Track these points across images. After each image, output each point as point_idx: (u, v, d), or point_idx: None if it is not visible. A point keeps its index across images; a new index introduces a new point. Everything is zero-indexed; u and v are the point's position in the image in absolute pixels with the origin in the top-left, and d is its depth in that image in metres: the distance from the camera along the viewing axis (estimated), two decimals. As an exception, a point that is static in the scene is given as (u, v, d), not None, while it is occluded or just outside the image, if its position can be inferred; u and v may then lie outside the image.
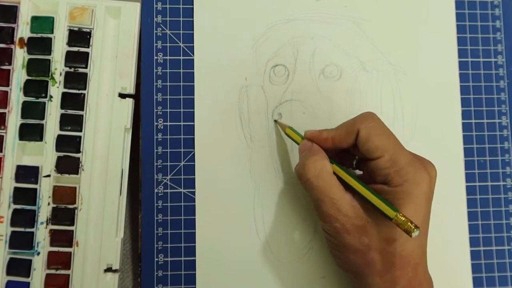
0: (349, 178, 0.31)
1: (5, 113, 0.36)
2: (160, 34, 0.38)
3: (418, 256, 0.31)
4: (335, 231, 0.31)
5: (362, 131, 0.31)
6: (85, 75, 0.36)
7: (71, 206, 0.35)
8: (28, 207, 0.35)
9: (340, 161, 0.34)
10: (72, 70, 0.36)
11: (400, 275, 0.30)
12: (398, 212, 0.28)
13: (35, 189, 0.35)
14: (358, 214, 0.31)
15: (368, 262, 0.31)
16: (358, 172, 0.35)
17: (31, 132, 0.36)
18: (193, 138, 0.38)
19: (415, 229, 0.27)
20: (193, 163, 0.37)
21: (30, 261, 0.35)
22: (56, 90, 0.36)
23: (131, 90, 0.37)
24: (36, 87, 0.36)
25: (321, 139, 0.33)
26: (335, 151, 0.33)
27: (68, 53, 0.36)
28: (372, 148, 0.31)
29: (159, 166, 0.37)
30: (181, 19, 0.39)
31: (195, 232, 0.37)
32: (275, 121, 0.38)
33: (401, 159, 0.30)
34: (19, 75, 0.36)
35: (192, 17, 0.39)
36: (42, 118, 0.36)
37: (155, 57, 0.38)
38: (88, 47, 0.36)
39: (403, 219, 0.28)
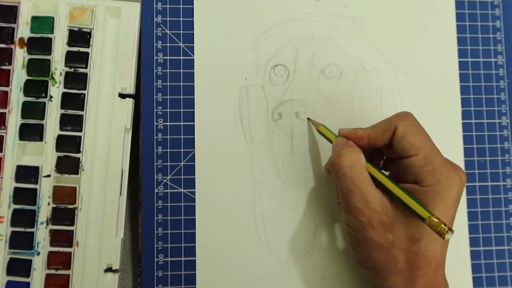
0: (382, 176, 0.31)
1: (5, 113, 0.36)
2: (160, 34, 0.38)
3: (440, 258, 0.31)
4: (361, 225, 0.31)
5: (399, 128, 0.31)
6: (85, 75, 0.36)
7: (71, 206, 0.35)
8: (28, 207, 0.35)
9: (368, 159, 0.34)
10: (72, 70, 0.36)
11: (420, 275, 0.30)
12: (432, 214, 0.28)
13: (35, 189, 0.35)
14: (386, 211, 0.30)
15: (390, 259, 0.30)
16: (385, 172, 0.35)
17: (31, 132, 0.36)
18: (193, 138, 0.38)
19: (448, 231, 0.27)
20: (193, 163, 0.37)
21: (30, 261, 0.35)
22: (56, 90, 0.36)
23: (131, 90, 0.37)
24: (36, 87, 0.36)
25: (356, 137, 0.33)
26: (366, 150, 0.33)
27: (68, 53, 0.36)
28: (408, 145, 0.31)
29: (159, 166, 0.37)
30: (181, 19, 0.39)
31: (195, 232, 0.37)
32: (308, 119, 0.38)
33: (435, 160, 0.30)
34: (19, 75, 0.36)
35: (192, 17, 0.39)
36: (42, 118, 0.36)
37: (155, 57, 0.38)
38: (88, 47, 0.36)
39: (437, 221, 0.28)
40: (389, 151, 0.33)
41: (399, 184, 0.31)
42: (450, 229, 0.28)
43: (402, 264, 0.30)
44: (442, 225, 0.28)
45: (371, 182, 0.31)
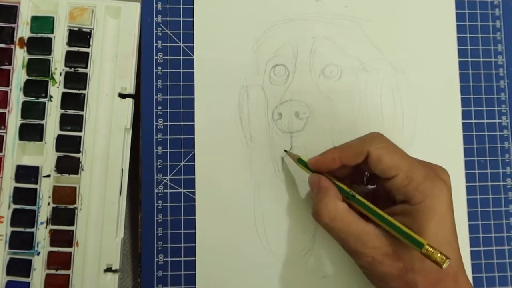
0: (368, 212, 0.31)
1: (5, 113, 0.36)
2: (160, 34, 0.38)
3: (456, 265, 0.31)
4: (368, 264, 0.31)
5: (373, 152, 0.31)
6: (85, 75, 0.36)
7: (71, 206, 0.35)
8: (28, 207, 0.35)
9: (351, 177, 0.34)
10: (72, 70, 0.36)
11: (442, 287, 0.30)
12: (426, 244, 0.28)
13: (35, 189, 0.35)
14: (385, 242, 0.30)
15: (409, 283, 0.30)
16: (371, 187, 0.35)
17: (31, 132, 0.36)
18: (193, 138, 0.38)
19: (445, 260, 0.27)
20: (193, 163, 0.37)
21: (30, 261, 0.35)
22: (56, 90, 0.36)
23: (131, 90, 0.37)
24: (36, 87, 0.36)
25: (327, 161, 0.33)
26: (345, 168, 0.33)
27: (68, 53, 0.36)
28: (386, 168, 0.30)
29: (159, 166, 0.37)
30: (181, 19, 0.39)
31: (195, 232, 0.37)
32: (285, 151, 0.37)
33: (417, 175, 0.30)
34: (19, 75, 0.36)
35: (192, 17, 0.39)
36: (42, 118, 0.36)
37: (155, 57, 0.38)
38: (88, 47, 0.36)
39: (432, 250, 0.28)
40: (369, 169, 0.32)
41: (390, 207, 0.31)
42: (447, 257, 0.27)
43: (421, 284, 0.30)
44: (439, 254, 0.28)
45: (359, 221, 0.31)
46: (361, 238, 0.30)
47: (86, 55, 0.36)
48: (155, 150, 0.37)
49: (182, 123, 0.38)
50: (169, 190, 0.37)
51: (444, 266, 0.27)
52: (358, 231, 0.31)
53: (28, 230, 0.35)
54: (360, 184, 0.35)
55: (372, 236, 0.30)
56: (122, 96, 0.36)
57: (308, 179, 0.34)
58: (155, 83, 0.38)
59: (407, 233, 0.29)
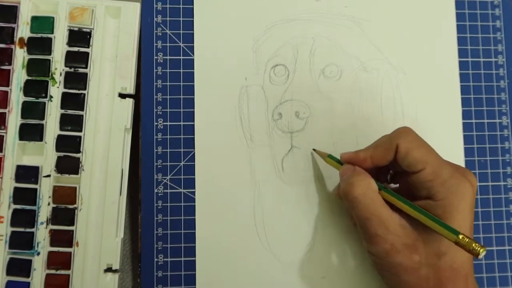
0: (399, 202, 0.31)
1: (5, 113, 0.36)
2: (160, 34, 0.38)
3: (468, 267, 0.31)
4: (385, 252, 0.30)
5: (401, 146, 0.31)
6: (85, 75, 0.36)
7: (71, 206, 0.35)
8: (28, 207, 0.35)
9: (375, 176, 0.34)
10: (72, 70, 0.36)
11: (453, 286, 0.30)
12: (459, 234, 0.28)
13: (35, 189, 0.35)
14: (407, 232, 0.30)
15: (421, 279, 0.30)
16: (394, 185, 0.36)
17: (31, 132, 0.36)
18: (193, 138, 0.38)
19: (481, 250, 0.27)
20: (193, 163, 0.37)
21: (30, 261, 0.35)
22: (56, 90, 0.36)
23: (131, 90, 0.37)
24: (36, 87, 0.36)
25: (359, 160, 0.33)
26: (371, 168, 0.33)
27: (68, 53, 0.36)
28: (413, 161, 0.31)
29: (159, 166, 0.37)
30: (181, 19, 0.39)
31: (195, 232, 0.37)
32: (314, 150, 0.38)
33: (444, 171, 0.30)
34: (19, 75, 0.36)
35: (192, 17, 0.39)
36: (42, 118, 0.36)
37: (155, 57, 0.38)
38: (88, 47, 0.36)
39: (467, 240, 0.27)
40: (394, 166, 0.33)
41: (414, 204, 0.31)
42: (483, 247, 0.27)
43: (432, 281, 0.30)
44: (474, 244, 0.27)
45: (387, 207, 0.31)
46: (386, 222, 0.30)
47: (86, 55, 0.36)
48: (155, 150, 0.37)
49: (182, 123, 0.38)
50: (169, 190, 0.37)
51: (481, 255, 0.27)
52: (385, 215, 0.30)
53: (28, 230, 0.35)
54: (383, 182, 0.35)
55: (397, 224, 0.30)
56: (122, 96, 0.36)
57: (340, 170, 0.34)
58: (155, 83, 0.38)
59: (441, 222, 0.29)
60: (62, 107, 0.36)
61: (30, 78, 0.36)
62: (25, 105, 0.36)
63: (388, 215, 0.31)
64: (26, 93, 0.36)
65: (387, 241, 0.30)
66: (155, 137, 0.37)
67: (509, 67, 0.40)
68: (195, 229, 0.37)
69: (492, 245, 0.38)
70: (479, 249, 0.27)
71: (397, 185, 0.35)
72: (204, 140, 0.38)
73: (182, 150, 0.37)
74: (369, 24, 0.39)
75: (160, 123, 0.38)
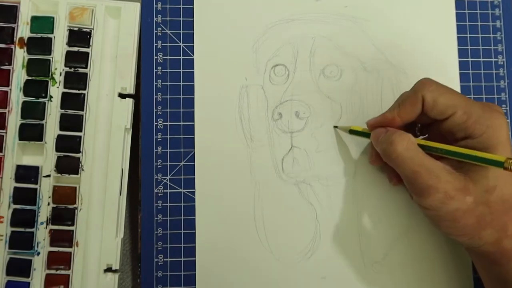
0: (441, 148, 0.31)
1: (5, 113, 0.36)
2: (160, 34, 0.38)
3: None
4: (439, 201, 0.30)
5: (427, 96, 0.31)
6: (85, 75, 0.36)
7: (71, 206, 0.35)
8: (28, 207, 0.35)
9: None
10: (72, 70, 0.36)
11: (508, 219, 0.31)
12: (507, 158, 0.28)
13: (35, 189, 0.35)
14: (456, 176, 0.31)
15: (478, 218, 0.31)
16: (422, 137, 0.36)
17: (31, 132, 0.36)
18: (193, 138, 0.38)
19: None
20: (193, 163, 0.37)
21: (30, 261, 0.35)
22: (56, 90, 0.36)
23: (131, 90, 0.37)
24: (36, 87, 0.36)
25: (387, 121, 0.33)
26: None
27: (68, 53, 0.36)
28: (443, 108, 0.31)
29: (159, 166, 0.37)
30: (181, 19, 0.39)
31: (195, 232, 0.37)
32: (335, 127, 0.38)
33: (475, 109, 0.31)
34: (19, 75, 0.36)
35: (192, 17, 0.39)
36: (42, 118, 0.36)
37: (155, 57, 0.38)
38: (88, 47, 0.36)
39: None
40: (422, 118, 0.33)
41: (454, 146, 0.31)
42: None
43: (488, 216, 0.31)
44: None
45: (430, 157, 0.31)
46: (435, 171, 0.30)
47: (86, 55, 0.36)
48: (155, 150, 0.37)
49: (182, 123, 0.38)
50: (169, 190, 0.37)
51: None
52: (431, 165, 0.31)
53: (28, 230, 0.35)
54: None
55: (444, 170, 0.31)
56: (122, 96, 0.36)
57: (372, 135, 0.34)
58: (155, 83, 0.38)
59: (485, 154, 0.29)
60: (62, 107, 0.36)
61: (30, 78, 0.36)
62: (25, 105, 0.36)
63: (434, 164, 0.31)
64: (26, 93, 0.36)
65: (440, 189, 0.30)
66: (155, 137, 0.37)
67: (509, 67, 0.40)
68: (195, 229, 0.37)
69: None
70: None
71: (426, 135, 0.36)
72: (204, 140, 0.38)
73: (182, 150, 0.37)
74: (369, 24, 0.39)
75: (160, 123, 0.38)
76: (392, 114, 0.33)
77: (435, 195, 0.30)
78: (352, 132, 0.37)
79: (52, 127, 0.36)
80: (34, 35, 0.36)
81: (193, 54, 0.38)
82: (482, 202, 0.30)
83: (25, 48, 0.36)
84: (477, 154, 0.30)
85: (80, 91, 0.36)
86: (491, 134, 0.30)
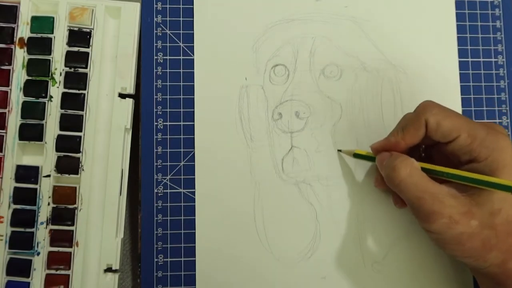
0: (445, 172, 0.31)
1: (5, 113, 0.36)
2: (160, 34, 0.38)
3: None
4: (444, 226, 0.30)
5: (430, 119, 0.31)
6: (85, 75, 0.36)
7: (71, 206, 0.35)
8: (28, 207, 0.35)
9: (407, 154, 0.34)
10: (72, 70, 0.36)
11: None
12: None
13: (35, 189, 0.35)
14: (460, 200, 0.30)
15: (483, 241, 0.30)
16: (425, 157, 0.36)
17: (31, 132, 0.36)
18: (193, 138, 0.38)
19: None
20: (193, 163, 0.37)
21: (30, 261, 0.35)
22: (56, 90, 0.36)
23: (131, 90, 0.37)
24: (36, 87, 0.36)
25: (392, 145, 0.33)
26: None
27: (68, 53, 0.36)
28: (447, 131, 0.31)
29: (159, 166, 0.37)
30: (181, 19, 0.39)
31: (195, 232, 0.37)
32: (339, 150, 0.38)
33: (479, 132, 0.31)
34: (19, 75, 0.36)
35: (192, 17, 0.39)
36: (42, 118, 0.36)
37: (155, 57, 0.38)
38: (88, 47, 0.36)
39: None
40: (425, 140, 0.33)
41: (459, 170, 0.31)
42: None
43: (494, 239, 0.30)
44: None
45: (434, 182, 0.31)
46: (439, 196, 0.30)
47: (86, 55, 0.36)
48: (155, 150, 0.37)
49: (182, 123, 0.38)
50: (169, 190, 0.37)
51: None
52: (435, 190, 0.30)
53: (28, 230, 0.35)
54: (416, 159, 0.35)
55: (448, 195, 0.30)
56: (122, 96, 0.36)
57: (377, 159, 0.34)
58: (155, 83, 0.38)
59: (492, 179, 0.29)
60: (62, 107, 0.36)
61: (30, 78, 0.36)
62: (25, 105, 0.36)
63: (438, 188, 0.31)
64: (26, 93, 0.36)
65: (444, 214, 0.30)
66: (155, 137, 0.37)
67: (509, 67, 0.40)
68: (195, 229, 0.37)
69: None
70: None
71: (430, 158, 0.36)
72: (204, 140, 0.38)
73: (182, 150, 0.37)
74: (369, 24, 0.39)
75: (160, 123, 0.38)
76: (396, 138, 0.33)
77: (440, 220, 0.30)
78: (357, 156, 0.36)
79: (52, 127, 0.36)
80: (34, 35, 0.36)
81: (193, 54, 0.38)
82: (487, 225, 0.30)
83: (25, 48, 0.36)
84: (484, 179, 0.29)
85: (80, 91, 0.36)
86: (496, 157, 0.30)
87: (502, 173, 0.30)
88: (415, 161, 0.32)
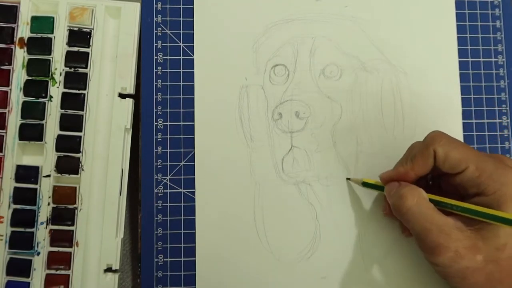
0: (452, 204, 0.31)
1: (5, 113, 0.36)
2: (160, 34, 0.38)
3: None
4: (450, 260, 0.30)
5: (439, 151, 0.31)
6: (85, 75, 0.36)
7: (71, 206, 0.35)
8: (28, 207, 0.35)
9: (414, 184, 0.34)
10: (72, 70, 0.36)
11: None
12: None
13: (35, 189, 0.35)
14: (466, 234, 0.30)
15: (488, 276, 0.30)
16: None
17: (31, 132, 0.36)
18: (193, 138, 0.38)
19: None
20: (193, 163, 0.37)
21: (30, 261, 0.35)
22: (56, 90, 0.36)
23: (131, 90, 0.37)
24: (36, 87, 0.36)
25: (400, 176, 0.33)
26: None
27: (68, 53, 0.36)
28: (455, 163, 0.31)
29: (159, 166, 0.37)
30: (181, 19, 0.39)
31: (195, 232, 0.37)
32: (348, 179, 0.38)
33: (487, 165, 0.30)
34: (19, 75, 0.36)
35: (192, 17, 0.39)
36: (42, 118, 0.36)
37: (155, 57, 0.38)
38: (88, 47, 0.36)
39: None
40: (433, 170, 0.32)
41: (466, 203, 0.31)
42: None
43: (498, 274, 0.30)
44: None
45: (441, 213, 0.31)
46: (445, 229, 0.30)
47: (86, 55, 0.36)
48: (155, 150, 0.37)
49: (182, 123, 0.38)
50: (169, 190, 0.37)
51: None
52: (442, 222, 0.30)
53: (28, 230, 0.35)
54: (424, 188, 0.35)
55: (455, 228, 0.30)
56: (122, 96, 0.36)
57: (385, 189, 0.34)
58: (155, 83, 0.38)
59: (499, 213, 0.29)
60: (62, 107, 0.36)
61: (30, 78, 0.36)
62: (25, 105, 0.36)
63: (445, 221, 0.30)
64: (26, 93, 0.36)
65: (450, 248, 0.30)
66: (155, 137, 0.37)
67: (509, 67, 0.40)
68: (195, 229, 0.37)
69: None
70: None
71: (438, 188, 0.35)
72: (204, 140, 0.38)
73: (182, 150, 0.37)
74: (369, 24, 0.39)
75: (160, 123, 0.38)
76: (405, 168, 0.33)
77: (446, 254, 0.30)
78: (366, 185, 0.36)
79: (52, 127, 0.36)
80: (34, 35, 0.36)
81: (193, 54, 0.38)
82: (492, 260, 0.30)
83: (25, 48, 0.36)
84: (490, 212, 0.29)
85: (80, 91, 0.36)
86: (504, 191, 0.30)
87: (509, 208, 0.29)
88: (423, 192, 0.31)
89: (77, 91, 0.36)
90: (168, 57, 0.38)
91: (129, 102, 0.36)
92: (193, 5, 0.39)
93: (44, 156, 0.36)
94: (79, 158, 0.36)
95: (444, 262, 0.30)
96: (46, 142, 0.36)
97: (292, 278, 0.37)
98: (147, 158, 0.37)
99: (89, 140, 0.36)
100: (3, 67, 0.36)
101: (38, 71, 0.36)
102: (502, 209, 0.29)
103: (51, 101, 0.36)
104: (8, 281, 0.35)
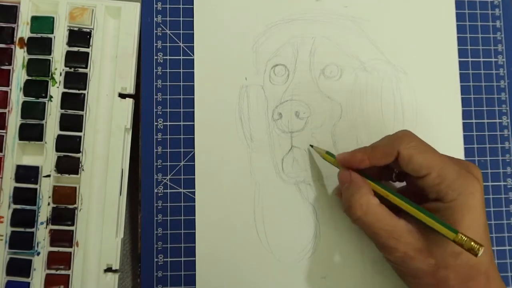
0: (401, 202, 0.31)
1: (5, 113, 0.36)
2: (160, 34, 0.38)
3: (487, 262, 0.30)
4: (400, 260, 0.31)
5: (403, 151, 0.31)
6: (85, 75, 0.36)
7: (71, 206, 0.35)
8: (28, 207, 0.35)
9: (379, 173, 0.34)
10: (72, 70, 0.36)
11: (473, 285, 0.30)
12: (459, 233, 0.28)
13: (35, 189, 0.35)
14: (417, 237, 0.30)
15: (440, 280, 0.30)
16: (400, 184, 0.36)
17: (31, 132, 0.36)
18: (193, 138, 0.38)
19: (479, 248, 0.27)
20: (193, 163, 0.37)
21: (30, 261, 0.35)
22: (56, 90, 0.36)
23: (131, 90, 0.37)
24: (36, 87, 0.36)
25: (356, 161, 0.33)
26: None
27: (68, 53, 0.36)
28: (417, 167, 0.30)
29: (159, 166, 0.37)
30: (181, 19, 0.39)
31: (195, 232, 0.37)
32: (311, 146, 0.37)
33: (449, 173, 0.30)
34: (19, 75, 0.36)
35: (192, 17, 0.39)
36: (42, 118, 0.36)
37: (155, 57, 0.38)
38: (88, 47, 0.36)
39: (465, 238, 0.28)
40: (398, 167, 0.32)
41: (422, 204, 0.30)
42: (481, 245, 0.27)
43: (452, 281, 0.30)
44: (472, 243, 0.27)
45: (391, 216, 0.31)
46: (393, 233, 0.30)
47: (86, 55, 0.36)
48: (155, 150, 0.37)
49: (182, 123, 0.38)
50: (169, 190, 0.37)
51: (479, 254, 0.27)
52: (391, 226, 0.31)
53: (28, 230, 0.35)
54: (388, 180, 0.36)
55: (405, 232, 0.30)
56: (122, 96, 0.36)
57: (338, 175, 0.34)
58: (155, 83, 0.38)
59: (440, 222, 0.29)
60: (62, 107, 0.36)
61: (30, 78, 0.36)
62: (25, 105, 0.36)
63: (395, 224, 0.31)
64: (26, 93, 0.36)
65: (399, 250, 0.30)
66: (155, 137, 0.37)
67: (509, 67, 0.40)
68: (195, 229, 0.37)
69: (492, 246, 0.38)
70: (477, 247, 0.27)
71: (403, 183, 0.35)
72: (204, 140, 0.38)
73: (182, 150, 0.37)
74: (369, 24, 0.39)
75: (160, 123, 0.38)
76: (363, 155, 0.32)
77: (395, 254, 0.31)
78: (326, 157, 0.36)
79: (52, 127, 0.36)
80: (34, 35, 0.36)
81: (193, 54, 0.38)
82: (445, 265, 0.30)
83: (25, 48, 0.36)
84: (433, 223, 0.29)
85: (80, 91, 0.36)
86: (462, 201, 0.29)
87: (463, 218, 0.29)
88: (371, 197, 0.31)
89: (77, 91, 0.36)
90: (168, 57, 0.38)
91: (129, 102, 0.36)
92: (193, 5, 0.39)
93: (44, 156, 0.36)
94: (79, 158, 0.36)
95: (396, 260, 0.31)
96: (46, 142, 0.36)
97: (292, 278, 0.37)
98: (147, 158, 0.37)
99: (89, 140, 0.36)
100: (3, 67, 0.36)
101: (38, 71, 0.36)
102: (456, 218, 0.29)
103: (51, 101, 0.36)
104: (8, 281, 0.35)
